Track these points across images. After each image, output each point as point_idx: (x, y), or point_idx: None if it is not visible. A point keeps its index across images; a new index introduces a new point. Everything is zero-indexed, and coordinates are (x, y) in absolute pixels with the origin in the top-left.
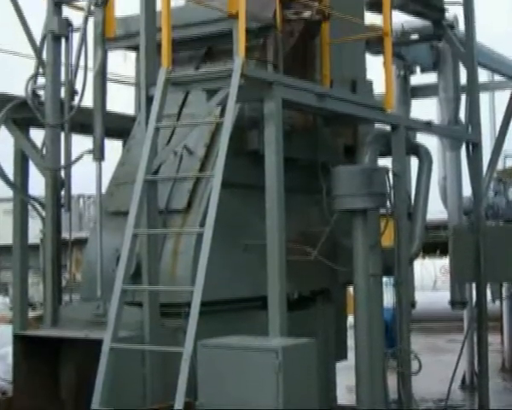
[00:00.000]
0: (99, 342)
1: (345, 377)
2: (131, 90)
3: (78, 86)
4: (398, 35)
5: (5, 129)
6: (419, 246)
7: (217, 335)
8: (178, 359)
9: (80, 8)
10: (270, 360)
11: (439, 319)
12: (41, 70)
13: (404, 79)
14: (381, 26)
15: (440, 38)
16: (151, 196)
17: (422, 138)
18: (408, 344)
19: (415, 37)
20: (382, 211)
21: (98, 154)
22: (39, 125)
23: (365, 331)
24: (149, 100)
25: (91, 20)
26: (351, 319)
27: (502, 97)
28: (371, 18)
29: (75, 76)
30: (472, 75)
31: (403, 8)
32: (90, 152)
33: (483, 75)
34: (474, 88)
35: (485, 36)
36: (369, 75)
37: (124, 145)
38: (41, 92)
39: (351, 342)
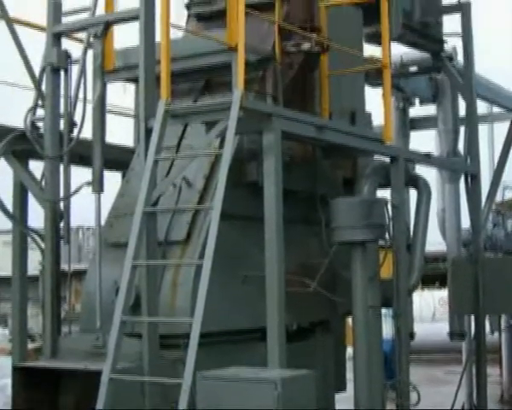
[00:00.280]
0: (98, 374)
1: (344, 408)
2: (131, 122)
3: (78, 118)
4: (397, 67)
5: (4, 161)
6: (418, 278)
7: (216, 366)
8: (178, 390)
9: (79, 40)
10: (269, 392)
11: (437, 351)
12: (40, 102)
13: (403, 111)
14: (380, 58)
15: (439, 70)
16: (150, 227)
17: (421, 170)
18: (407, 376)
19: (414, 69)
20: (381, 243)
21: (97, 186)
22: (38, 157)
23: (364, 363)
24: (148, 132)
25: (90, 52)
26: (350, 351)
27: (501, 129)
28: (370, 50)
29: (74, 108)
30: (471, 107)
31: (402, 39)
32: (89, 184)
33: (482, 107)
34: (472, 120)
35: (484, 68)
36: (368, 107)
37: (123, 177)
38: (40, 124)
39: (350, 373)
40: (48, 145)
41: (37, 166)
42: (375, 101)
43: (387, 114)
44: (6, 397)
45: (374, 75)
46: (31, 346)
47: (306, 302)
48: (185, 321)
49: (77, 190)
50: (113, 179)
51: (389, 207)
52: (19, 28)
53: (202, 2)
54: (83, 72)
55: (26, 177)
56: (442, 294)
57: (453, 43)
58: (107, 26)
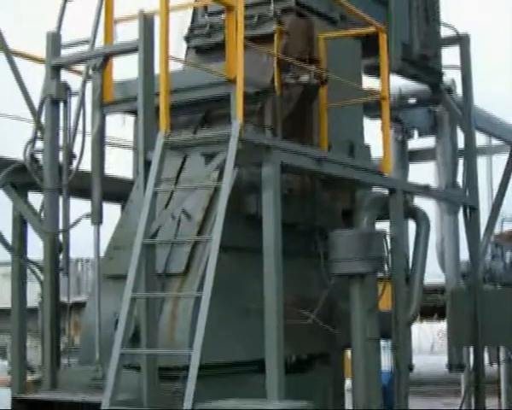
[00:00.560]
0: (97, 406)
1: None
2: (130, 154)
3: (77, 150)
4: (396, 99)
5: (4, 193)
6: (416, 309)
7: (215, 398)
8: None
9: (78, 73)
10: None
11: (436, 383)
12: (39, 134)
13: (402, 143)
14: (379, 90)
15: (438, 102)
16: (149, 259)
17: (420, 202)
18: (406, 408)
19: (412, 101)
20: (380, 275)
21: (96, 218)
22: (38, 188)
23: (363, 395)
24: (148, 164)
25: (89, 84)
26: (349, 383)
27: (499, 161)
28: (369, 82)
29: (73, 140)
30: (469, 139)
31: (400, 72)
32: (88, 216)
33: (481, 139)
34: (471, 152)
35: (483, 100)
36: (367, 139)
37: (122, 209)
38: (39, 156)
39: (349, 405)
40: (47, 177)
41: (36, 198)
42: (373, 133)
43: (386, 146)
44: None
45: (373, 107)
46: (30, 378)
47: (305, 334)
48: (184, 353)
49: (76, 222)
50: (112, 211)
51: (388, 239)
52: (18, 60)
53: (201, 34)
54: (82, 104)
55: (25, 209)
56: (441, 326)
57: (452, 76)
58: (107, 58)
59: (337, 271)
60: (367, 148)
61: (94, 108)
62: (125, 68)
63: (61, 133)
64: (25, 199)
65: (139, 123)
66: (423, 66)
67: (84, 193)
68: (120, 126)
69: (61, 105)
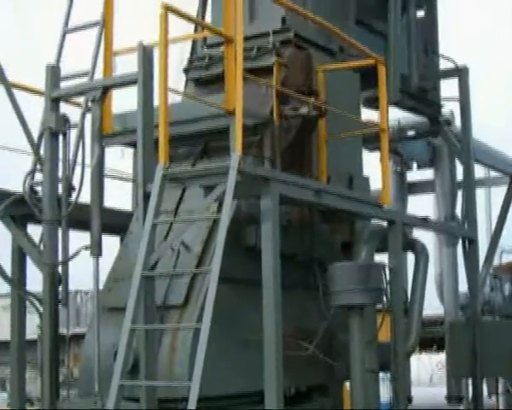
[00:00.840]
0: None
1: None
2: (129, 186)
3: (76, 182)
4: (395, 131)
5: (3, 225)
6: (415, 341)
7: None
8: None
9: (78, 105)
10: None
11: None
12: (39, 166)
13: (401, 175)
14: (378, 122)
15: (437, 135)
16: (148, 291)
17: (419, 234)
18: None
19: (411, 133)
20: (379, 306)
21: (96, 249)
22: (37, 220)
23: None
24: (147, 196)
25: (89, 116)
26: None
27: (498, 193)
28: (368, 114)
29: (72, 172)
30: (468, 171)
31: (399, 104)
32: (87, 248)
33: (479, 171)
34: (470, 184)
35: (482, 132)
36: (366, 171)
37: (121, 241)
38: (39, 188)
39: None
40: (46, 209)
41: (35, 230)
42: (372, 165)
43: (385, 178)
44: None
45: (371, 139)
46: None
47: (304, 366)
48: (183, 385)
49: (75, 254)
50: (111, 243)
51: (387, 271)
52: (17, 92)
53: (200, 66)
54: (81, 136)
55: (24, 241)
56: (440, 357)
57: (451, 107)
58: (106, 90)
59: (336, 302)
60: (366, 180)
61: (93, 140)
62: (124, 100)
63: (61, 165)
64: (24, 231)
65: (138, 155)
66: (422, 98)
67: (83, 225)
68: (119, 158)
69: (61, 137)
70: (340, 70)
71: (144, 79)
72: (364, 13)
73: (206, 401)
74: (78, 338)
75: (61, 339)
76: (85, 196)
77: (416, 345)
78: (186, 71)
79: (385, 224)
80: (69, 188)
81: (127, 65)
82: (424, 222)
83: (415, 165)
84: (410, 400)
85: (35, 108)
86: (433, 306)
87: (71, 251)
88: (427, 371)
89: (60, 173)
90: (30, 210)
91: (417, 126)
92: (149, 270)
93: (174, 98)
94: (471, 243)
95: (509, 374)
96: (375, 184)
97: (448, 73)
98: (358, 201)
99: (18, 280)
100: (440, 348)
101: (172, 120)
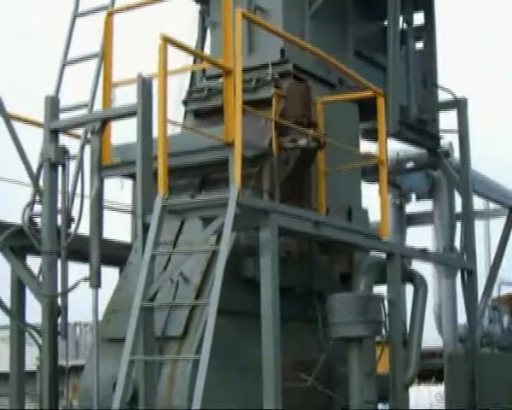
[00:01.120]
0: None
1: None
2: (128, 218)
3: (75, 213)
4: (394, 163)
5: (2, 256)
6: (414, 373)
7: None
8: None
9: (77, 136)
10: None
11: None
12: (38, 197)
13: (400, 207)
14: (377, 154)
15: (435, 166)
16: (148, 322)
17: (418, 265)
18: None
19: (410, 165)
20: (378, 338)
21: (95, 281)
22: (36, 252)
23: None
24: (146, 227)
25: (88, 148)
26: None
27: (497, 224)
28: (367, 145)
29: (72, 203)
30: (467, 203)
31: (398, 136)
32: (86, 279)
33: (478, 203)
34: (469, 216)
35: (481, 163)
36: (365, 203)
37: (120, 272)
38: (38, 220)
39: None
40: (45, 240)
41: (34, 262)
42: (371, 196)
43: (384, 210)
44: None
45: (370, 171)
46: None
47: (303, 398)
48: None
49: (74, 286)
50: (110, 275)
51: (386, 302)
52: (16, 124)
53: (199, 98)
54: (80, 167)
55: (23, 272)
56: (438, 389)
57: (450, 138)
58: (105, 122)
59: (335, 334)
60: (365, 212)
61: (92, 172)
62: (123, 132)
63: (60, 196)
64: (23, 262)
65: (137, 186)
66: (421, 130)
67: (82, 256)
68: (119, 190)
69: (60, 168)
70: (338, 102)
71: (143, 111)
72: (363, 44)
73: None
74: (78, 370)
75: (60, 371)
76: (85, 228)
77: (415, 377)
78: (185, 103)
79: (384, 256)
80: (68, 219)
81: (126, 96)
82: (423, 254)
83: (413, 197)
84: None
85: (34, 140)
86: (431, 337)
87: (70, 282)
88: (426, 402)
89: (59, 205)
90: (29, 241)
91: (416, 158)
92: (148, 301)
93: (173, 130)
94: (470, 275)
95: (508, 406)
96: (374, 215)
97: (447, 105)
98: (357, 232)
99: (17, 312)
100: (439, 380)
101: (171, 152)
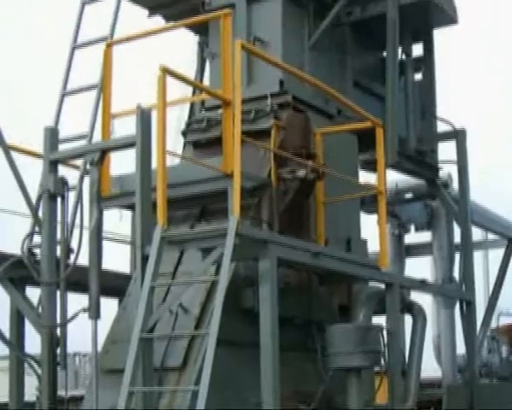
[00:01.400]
0: None
1: None
2: (127, 249)
3: (74, 244)
4: (393, 194)
5: (1, 287)
6: (413, 403)
7: None
8: None
9: (76, 167)
10: None
11: None
12: (37, 228)
13: (399, 238)
14: (376, 185)
15: (434, 197)
16: (147, 353)
17: (417, 296)
18: None
19: (409, 195)
20: (377, 368)
21: (94, 312)
22: (35, 283)
23: None
24: (145, 258)
25: (87, 179)
26: None
27: (495, 255)
28: (365, 176)
29: (71, 234)
30: (466, 234)
31: (397, 166)
32: (85, 310)
33: (477, 233)
34: (467, 246)
35: (479, 194)
36: (364, 233)
37: (119, 303)
38: (37, 251)
39: None
40: (44, 271)
41: (34, 293)
42: (370, 227)
43: (383, 240)
44: None
45: (369, 202)
46: None
47: None
48: None
49: (73, 317)
50: (109, 306)
51: (384, 333)
52: (16, 155)
53: (198, 129)
54: (79, 198)
55: (22, 303)
56: None
57: (449, 169)
58: (104, 153)
59: (334, 365)
60: (364, 242)
61: (91, 203)
62: (122, 163)
63: (59, 227)
64: (22, 293)
65: (136, 217)
66: (420, 160)
67: (81, 287)
68: (118, 221)
69: (59, 199)
70: (337, 132)
71: (142, 142)
72: (362, 75)
73: None
74: (77, 400)
75: (59, 401)
76: (84, 259)
77: (414, 407)
78: (184, 133)
79: (383, 286)
80: (67, 250)
81: (125, 127)
82: (422, 284)
83: (412, 227)
84: None
85: (33, 171)
86: (430, 368)
87: (69, 313)
88: None
89: (58, 236)
90: (28, 272)
91: (415, 189)
92: (148, 332)
93: (172, 161)
94: (469, 305)
95: None
96: (373, 246)
97: (446, 136)
98: (356, 263)
99: (16, 342)
100: None
101: (170, 183)
